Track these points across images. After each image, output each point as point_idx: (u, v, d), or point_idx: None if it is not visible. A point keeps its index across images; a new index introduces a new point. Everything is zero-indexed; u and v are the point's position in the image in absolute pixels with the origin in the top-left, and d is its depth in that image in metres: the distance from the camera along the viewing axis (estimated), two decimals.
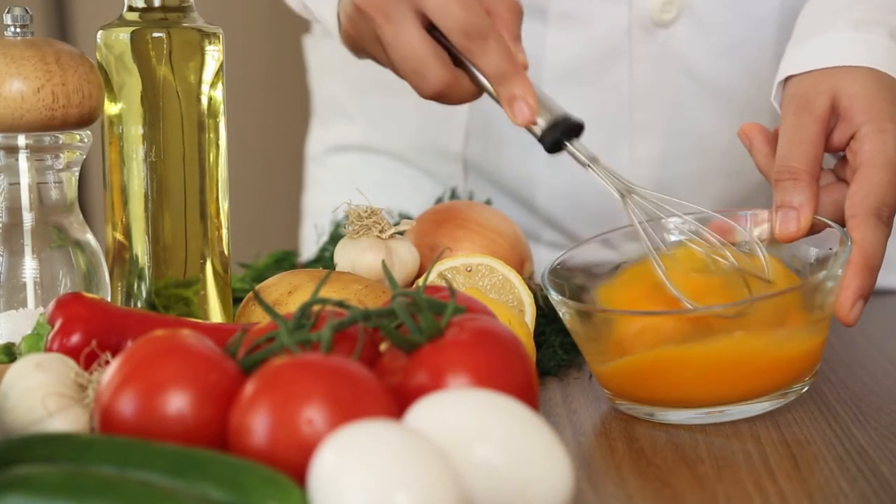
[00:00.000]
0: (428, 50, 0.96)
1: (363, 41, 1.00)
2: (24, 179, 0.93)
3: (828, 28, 1.01)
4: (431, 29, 0.96)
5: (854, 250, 0.89)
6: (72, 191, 0.95)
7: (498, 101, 0.96)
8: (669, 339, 0.87)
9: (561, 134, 0.96)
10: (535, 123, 0.96)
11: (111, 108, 0.96)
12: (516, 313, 0.93)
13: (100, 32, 0.96)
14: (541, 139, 0.96)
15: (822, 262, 0.91)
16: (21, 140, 0.93)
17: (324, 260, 1.15)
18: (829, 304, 0.88)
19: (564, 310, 0.90)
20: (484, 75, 0.96)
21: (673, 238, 0.97)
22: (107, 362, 0.80)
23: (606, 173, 0.96)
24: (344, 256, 0.97)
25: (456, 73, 0.97)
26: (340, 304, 0.78)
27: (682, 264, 0.93)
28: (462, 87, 0.97)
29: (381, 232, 0.98)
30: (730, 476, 0.80)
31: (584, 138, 0.97)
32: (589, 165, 0.96)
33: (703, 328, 0.87)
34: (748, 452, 0.83)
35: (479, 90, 0.98)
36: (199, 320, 0.94)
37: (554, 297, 0.90)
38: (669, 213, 0.95)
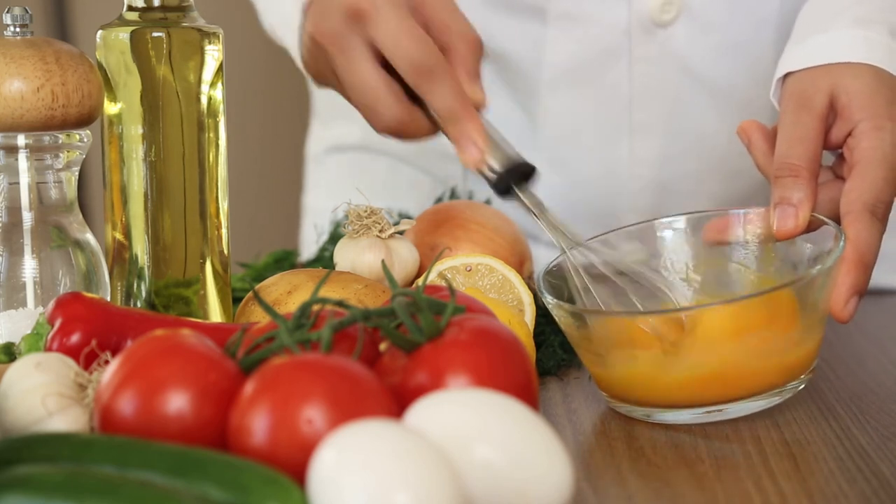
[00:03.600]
0: (381, 85, 0.94)
1: (321, 72, 0.99)
2: (24, 179, 0.93)
3: (828, 26, 1.01)
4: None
5: (848, 247, 0.89)
6: (71, 190, 0.95)
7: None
8: (664, 341, 0.87)
9: (513, 181, 0.94)
10: (485, 165, 0.94)
11: (111, 108, 0.96)
12: (516, 313, 0.93)
13: (100, 32, 0.96)
14: (492, 184, 0.94)
15: (817, 260, 0.91)
16: (21, 140, 0.92)
17: (324, 260, 1.15)
18: (823, 301, 0.88)
19: (559, 312, 0.90)
20: (434, 113, 0.94)
21: (667, 241, 0.97)
22: (106, 362, 0.80)
23: (553, 224, 0.94)
24: (344, 256, 0.97)
25: (411, 110, 0.95)
26: (340, 303, 0.77)
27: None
28: (417, 124, 0.95)
29: (380, 232, 0.98)
30: (730, 476, 0.80)
31: (585, 138, 0.97)
32: (536, 216, 0.94)
33: (698, 328, 0.87)
34: (748, 452, 0.83)
35: (436, 127, 0.96)
36: (199, 320, 0.94)
37: (548, 300, 0.90)
38: (616, 263, 0.94)
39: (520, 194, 0.95)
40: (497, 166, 0.94)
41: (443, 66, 0.93)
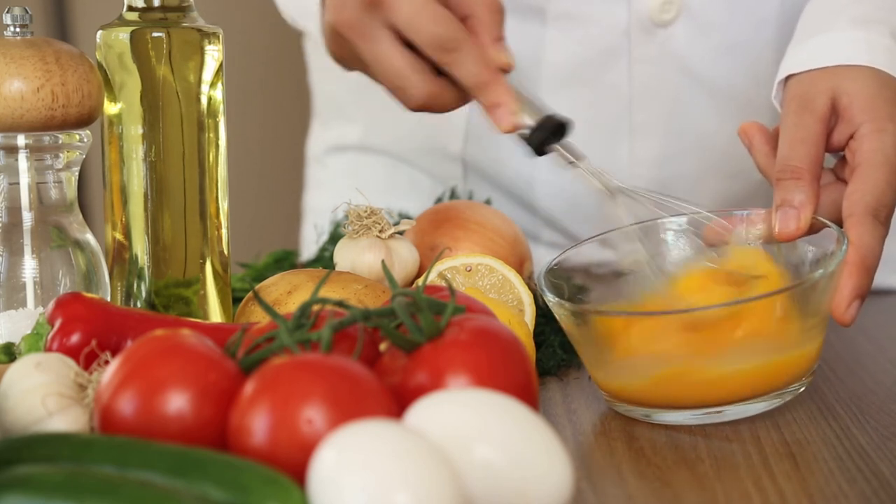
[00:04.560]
0: (407, 65, 0.95)
1: (346, 59, 1.00)
2: (24, 179, 0.93)
3: (829, 27, 1.01)
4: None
5: (850, 250, 0.89)
6: (71, 191, 0.95)
7: None
8: (666, 342, 0.87)
9: (548, 134, 0.95)
10: (520, 128, 0.95)
11: (111, 108, 0.96)
12: (516, 313, 0.93)
13: (99, 32, 0.96)
14: (528, 141, 0.95)
15: (819, 262, 0.91)
16: (21, 140, 0.92)
17: (324, 260, 1.15)
18: (825, 304, 0.88)
19: (560, 311, 0.90)
20: (462, 86, 0.95)
21: (668, 239, 0.97)
22: (106, 362, 0.80)
23: (595, 172, 0.95)
24: (344, 256, 0.97)
25: (439, 83, 0.95)
26: (340, 303, 0.77)
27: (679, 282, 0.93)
28: (447, 95, 0.96)
29: (380, 232, 0.98)
30: (730, 476, 0.80)
31: (584, 138, 0.97)
32: (577, 164, 0.95)
33: (699, 330, 0.87)
34: (748, 452, 0.83)
35: (466, 95, 0.96)
36: (199, 320, 0.94)
37: (550, 298, 0.90)
38: (660, 212, 0.94)
39: (558, 147, 0.95)
40: (533, 124, 0.95)
41: (464, 38, 0.94)
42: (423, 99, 0.96)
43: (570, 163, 0.95)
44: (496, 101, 0.94)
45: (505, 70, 0.95)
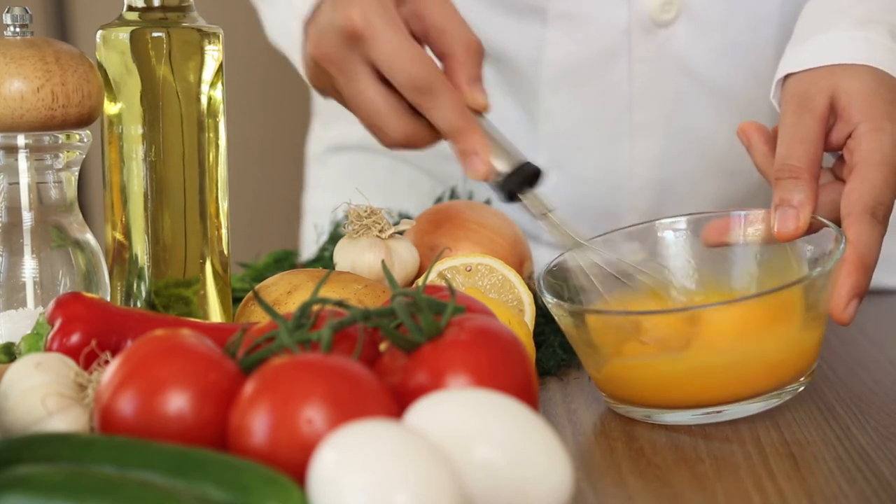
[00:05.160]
0: (384, 104, 0.95)
1: (325, 89, 1.01)
2: (24, 179, 0.93)
3: (829, 27, 1.01)
4: None
5: (848, 249, 0.89)
6: (71, 191, 0.95)
7: None
8: (662, 341, 0.87)
9: (519, 183, 0.95)
10: (491, 175, 0.95)
11: (111, 108, 0.96)
12: (516, 313, 0.93)
13: (99, 32, 0.96)
14: (500, 187, 0.95)
15: (817, 262, 0.91)
16: (21, 140, 0.92)
17: (324, 260, 1.15)
18: (823, 303, 0.88)
19: (559, 312, 0.90)
20: (437, 129, 0.95)
21: (669, 242, 0.97)
22: (106, 362, 0.80)
23: (559, 225, 0.95)
24: (344, 256, 0.97)
25: (415, 124, 0.96)
26: (340, 303, 0.77)
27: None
28: (423, 135, 0.96)
29: (380, 232, 0.98)
30: (730, 476, 0.80)
31: (584, 138, 0.97)
32: (544, 215, 0.95)
33: (694, 329, 0.87)
34: (748, 452, 0.83)
35: (440, 135, 0.97)
36: (199, 320, 0.94)
37: (548, 299, 0.90)
38: (622, 264, 0.94)
39: (522, 200, 0.95)
40: (506, 170, 0.95)
41: (441, 82, 0.94)
42: (399, 139, 0.96)
43: (541, 213, 0.95)
44: (469, 148, 0.94)
45: (480, 112, 0.96)
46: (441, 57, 0.96)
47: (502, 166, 0.95)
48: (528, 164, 0.95)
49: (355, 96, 0.96)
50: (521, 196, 0.95)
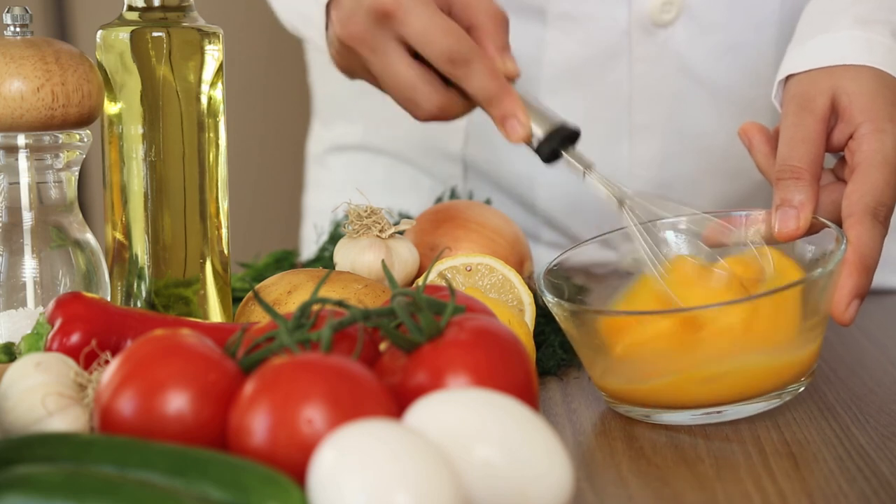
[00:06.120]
0: (416, 78, 0.96)
1: (352, 70, 1.01)
2: (24, 179, 0.93)
3: (829, 27, 1.01)
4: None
5: (849, 249, 0.89)
6: (71, 190, 0.95)
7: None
8: (665, 342, 0.87)
9: (557, 143, 0.96)
10: (530, 138, 0.96)
11: (111, 108, 0.96)
12: (516, 313, 0.93)
13: (100, 32, 0.96)
14: (537, 150, 0.96)
15: (818, 262, 0.91)
16: (21, 139, 0.92)
17: (324, 259, 1.15)
18: (824, 304, 0.88)
19: (559, 312, 0.90)
20: (473, 98, 0.97)
21: (671, 241, 0.97)
22: (106, 362, 0.80)
23: (603, 180, 0.96)
24: (344, 256, 0.97)
25: (448, 95, 0.97)
26: (340, 303, 0.77)
27: (679, 275, 0.93)
28: (456, 106, 0.98)
29: (380, 231, 0.98)
30: (730, 476, 0.80)
31: (584, 138, 0.97)
32: (585, 172, 0.96)
33: (697, 330, 0.87)
34: (748, 452, 0.83)
35: (473, 103, 0.98)
36: (199, 320, 0.94)
37: (549, 298, 0.90)
38: (665, 216, 0.95)
39: (565, 157, 0.96)
40: (542, 134, 0.96)
41: (475, 52, 0.96)
42: (433, 110, 0.97)
43: (579, 170, 0.96)
44: (507, 113, 0.96)
45: (512, 78, 0.97)
46: (467, 29, 0.97)
47: (539, 129, 0.96)
48: (565, 124, 0.96)
49: (388, 73, 0.97)
50: (564, 153, 0.96)
